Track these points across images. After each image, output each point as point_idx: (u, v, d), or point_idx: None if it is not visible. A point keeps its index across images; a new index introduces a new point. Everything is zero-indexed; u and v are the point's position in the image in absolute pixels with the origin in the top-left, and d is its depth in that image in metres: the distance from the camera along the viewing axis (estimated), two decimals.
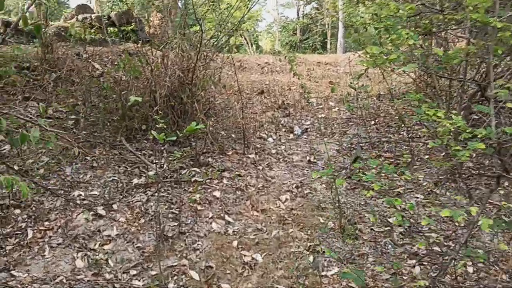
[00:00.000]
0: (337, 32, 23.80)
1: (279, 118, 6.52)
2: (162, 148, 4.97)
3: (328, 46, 25.52)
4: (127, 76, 4.96)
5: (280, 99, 7.23)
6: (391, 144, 5.51)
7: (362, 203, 4.17)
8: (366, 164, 4.72)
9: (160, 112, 4.60)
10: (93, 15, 16.83)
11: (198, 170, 4.58)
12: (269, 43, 32.49)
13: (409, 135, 5.44)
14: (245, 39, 25.05)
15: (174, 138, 3.14)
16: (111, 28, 15.48)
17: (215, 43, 6.00)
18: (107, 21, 16.13)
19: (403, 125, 5.68)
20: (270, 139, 5.75)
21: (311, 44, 26.99)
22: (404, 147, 5.43)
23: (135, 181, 4.24)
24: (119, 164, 4.56)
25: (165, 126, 3.39)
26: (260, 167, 4.88)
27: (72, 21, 18.28)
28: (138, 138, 5.17)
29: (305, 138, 5.89)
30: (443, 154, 4.95)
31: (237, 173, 4.66)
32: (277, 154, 5.31)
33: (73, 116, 5.63)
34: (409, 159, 4.97)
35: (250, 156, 5.12)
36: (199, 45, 4.32)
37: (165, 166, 4.57)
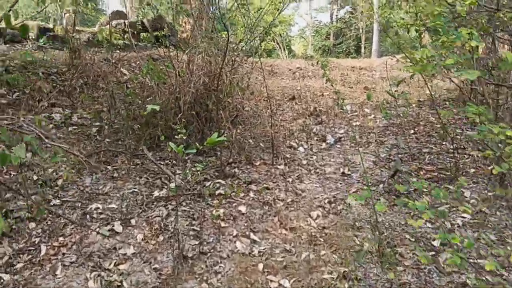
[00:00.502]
0: (371, 36, 23.23)
1: (311, 125, 6.17)
2: (186, 157, 4.72)
3: (362, 50, 24.94)
4: (151, 81, 4.74)
5: (312, 106, 6.87)
6: (433, 156, 5.08)
7: (402, 222, 3.77)
8: (407, 179, 4.32)
9: (184, 120, 4.35)
10: (126, 21, 16.95)
11: (223, 182, 4.29)
12: (301, 48, 32.13)
13: (453, 146, 4.98)
14: (278, 43, 24.78)
15: (194, 151, 2.85)
16: (144, 34, 15.54)
17: (244, 47, 5.73)
18: (140, 27, 16.20)
19: (446, 135, 5.23)
20: (301, 149, 5.41)
21: (344, 49, 26.48)
22: (447, 159, 4.99)
23: (156, 193, 3.99)
24: (140, 175, 4.32)
25: (184, 138, 3.12)
26: (290, 179, 4.55)
27: (106, 27, 18.52)
28: (162, 147, 4.95)
29: (339, 147, 5.52)
30: (491, 167, 4.50)
31: (264, 185, 4.34)
32: (308, 165, 4.96)
33: (97, 123, 5.47)
34: (454, 173, 4.53)
35: (279, 167, 4.79)
36: (225, 50, 4.04)
37: (188, 177, 4.30)
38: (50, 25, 16.22)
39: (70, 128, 5.34)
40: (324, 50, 27.23)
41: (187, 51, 4.99)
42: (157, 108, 2.77)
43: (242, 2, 5.98)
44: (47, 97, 5.93)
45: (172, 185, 4.07)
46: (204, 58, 4.83)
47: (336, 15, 30.08)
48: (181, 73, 4.70)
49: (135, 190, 4.03)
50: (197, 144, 4.02)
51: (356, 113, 6.73)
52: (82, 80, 6.35)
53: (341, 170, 4.84)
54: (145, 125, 4.78)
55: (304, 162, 5.04)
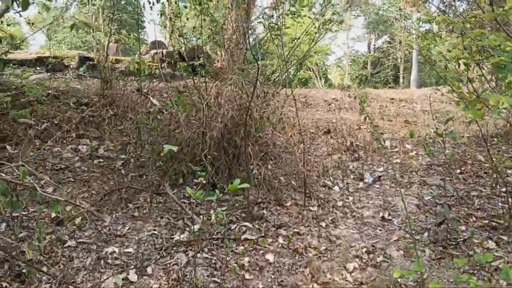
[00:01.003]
0: (410, 65, 22.69)
1: (347, 162, 5.77)
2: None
3: (401, 80, 24.38)
4: (178, 114, 4.53)
5: (349, 140, 6.48)
6: (483, 200, 4.58)
7: (451, 280, 3.30)
8: (455, 228, 3.86)
9: (210, 156, 4.08)
10: (164, 50, 17.19)
11: (250, 225, 3.95)
12: (338, 77, 31.86)
13: (505, 189, 4.47)
14: (314, 72, 24.60)
15: (214, 197, 2.54)
16: (181, 63, 15.68)
17: (277, 78, 5.48)
18: (177, 56, 16.35)
19: (497, 176, 4.72)
20: (336, 188, 5.02)
21: (382, 78, 26.00)
22: (499, 204, 4.48)
23: (177, 236, 3.69)
24: (162, 214, 4.04)
25: (207, 177, 2.81)
26: (323, 224, 4.15)
27: (144, 56, 18.85)
28: (187, 183, 4.67)
29: (378, 188, 5.09)
30: None
31: (295, 230, 3.97)
32: (343, 207, 4.56)
33: (123, 156, 5.28)
34: (507, 221, 4.02)
35: (311, 208, 4.42)
36: (254, 83, 3.78)
37: (212, 218, 3.99)
38: (92, 54, 16.68)
39: (95, 161, 5.17)
40: (361, 79, 26.84)
41: (214, 83, 4.76)
42: (175, 149, 2.49)
43: (276, 32, 5.75)
44: (76, 128, 5.83)
45: (195, 226, 3.77)
46: (234, 91, 4.57)
47: (374, 45, 29.74)
48: (209, 105, 4.46)
49: (155, 232, 3.74)
50: (223, 186, 3.75)
51: (396, 149, 6.29)
52: (112, 110, 6.24)
53: (381, 214, 4.41)
54: (170, 159, 4.54)
55: (340, 203, 4.64)
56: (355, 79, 27.55)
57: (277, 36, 5.84)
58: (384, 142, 6.13)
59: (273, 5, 6.48)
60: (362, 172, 5.46)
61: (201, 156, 4.21)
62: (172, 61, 16.89)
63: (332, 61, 33.18)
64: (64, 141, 5.56)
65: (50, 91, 6.87)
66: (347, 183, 5.18)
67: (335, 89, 11.98)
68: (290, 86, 6.42)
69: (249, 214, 4.07)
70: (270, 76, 5.69)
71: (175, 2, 5.79)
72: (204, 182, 2.76)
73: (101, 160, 5.19)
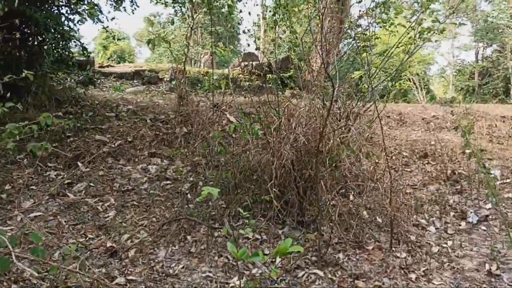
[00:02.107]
0: None
1: (447, 195, 4.88)
2: (280, 231, 3.87)
3: None
4: (246, 135, 4.07)
5: (449, 168, 5.55)
6: None
7: None
8: None
9: (277, 188, 3.55)
10: (254, 62, 17.08)
11: (320, 273, 3.33)
12: (441, 88, 29.65)
13: None
14: (414, 83, 23.01)
15: (259, 258, 2.00)
16: (269, 75, 15.42)
17: (365, 94, 4.81)
18: (267, 68, 16.14)
19: None
20: (431, 228, 4.20)
21: (491, 90, 23.59)
22: None
23: (233, 283, 3.19)
24: (221, 252, 3.58)
25: (253, 224, 2.28)
26: (413, 276, 3.39)
27: (237, 69, 18.97)
28: (255, 213, 4.18)
29: (484, 230, 4.17)
30: None
31: (377, 283, 3.27)
32: (440, 255, 3.74)
33: (191, 179, 4.94)
34: None
35: (399, 255, 3.67)
36: (329, 106, 3.17)
37: (277, 260, 3.44)
38: (187, 67, 17.14)
39: (163, 183, 4.89)
40: (468, 90, 24.63)
41: (287, 102, 4.22)
42: (215, 193, 2.00)
43: (365, 43, 5.09)
44: (149, 146, 5.65)
45: (255, 270, 3.26)
46: (309, 112, 4.00)
47: (482, 54, 27.20)
48: (282, 127, 3.94)
49: (210, 275, 3.28)
50: (293, 220, 3.21)
51: (508, 181, 5.23)
52: (186, 128, 5.99)
53: (487, 266, 3.53)
54: (235, 187, 4.08)
55: (435, 249, 3.82)
56: (460, 90, 25.37)
57: (366, 47, 5.17)
58: (492, 170, 5.14)
59: (363, 13, 5.83)
60: (465, 209, 4.55)
61: (269, 185, 3.71)
62: (261, 73, 16.73)
63: (435, 71, 30.95)
64: (136, 160, 5.38)
65: (131, 107, 6.84)
66: (445, 223, 4.33)
67: (435, 104, 10.79)
68: (383, 101, 5.70)
69: (321, 258, 3.45)
70: (355, 92, 5.03)
71: (273, 14, 5.39)
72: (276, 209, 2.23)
73: (168, 182, 4.90)
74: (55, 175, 4.91)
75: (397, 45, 5.03)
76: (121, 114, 6.42)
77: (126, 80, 15.59)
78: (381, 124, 4.12)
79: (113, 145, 5.49)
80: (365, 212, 4.21)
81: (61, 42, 6.61)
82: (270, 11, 5.87)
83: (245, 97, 6.67)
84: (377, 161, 4.77)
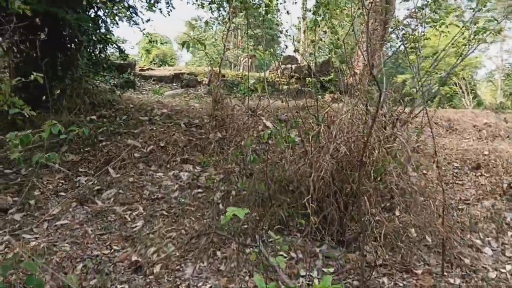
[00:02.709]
0: None
1: (503, 212, 4.39)
2: (318, 249, 3.53)
3: None
4: (281, 144, 3.75)
5: (505, 181, 5.03)
6: None
7: None
8: None
9: (314, 203, 3.22)
10: (294, 65, 16.77)
11: None
12: (488, 93, 28.27)
13: None
14: (460, 87, 21.96)
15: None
16: (309, 79, 15.03)
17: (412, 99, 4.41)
18: (306, 72, 15.81)
19: None
20: (487, 250, 3.75)
21: None
22: None
23: None
24: (251, 271, 3.28)
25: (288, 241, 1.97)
26: None
27: (276, 72, 18.59)
28: (290, 228, 3.86)
29: None
30: None
31: None
32: (498, 281, 3.30)
33: (224, 187, 4.68)
34: None
35: (451, 280, 3.26)
36: (375, 114, 2.80)
37: (315, 283, 3.10)
38: (227, 70, 16.98)
39: (194, 191, 4.65)
40: None
41: (327, 108, 3.89)
42: (241, 214, 1.72)
43: (412, 45, 4.69)
44: (182, 151, 5.44)
45: None
46: (351, 119, 3.64)
47: None
48: (321, 134, 3.60)
49: None
50: (332, 237, 2.90)
51: None
52: (220, 133, 5.74)
53: None
54: (269, 199, 3.78)
55: (493, 274, 3.38)
56: (509, 96, 24.05)
57: (414, 49, 4.77)
58: None
59: (412, 13, 5.42)
60: None
61: (306, 199, 3.38)
62: (301, 77, 16.37)
63: (482, 75, 29.54)
64: (168, 166, 5.18)
65: (165, 110, 6.67)
66: (502, 244, 3.86)
67: (485, 110, 10.09)
68: (432, 105, 5.26)
69: (364, 283, 3.09)
70: (402, 97, 4.62)
71: (313, 13, 5.11)
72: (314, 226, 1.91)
73: (200, 190, 4.66)
74: (85, 181, 4.77)
75: (450, 46, 4.60)
76: (155, 118, 6.24)
77: (165, 83, 15.65)
78: (432, 132, 3.72)
79: (145, 150, 5.31)
80: (413, 231, 3.82)
81: (97, 45, 6.53)
82: (310, 11, 5.56)
83: (282, 102, 6.35)
84: (425, 172, 4.35)
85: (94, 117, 6.06)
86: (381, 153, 3.49)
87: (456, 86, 21.96)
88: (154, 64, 28.45)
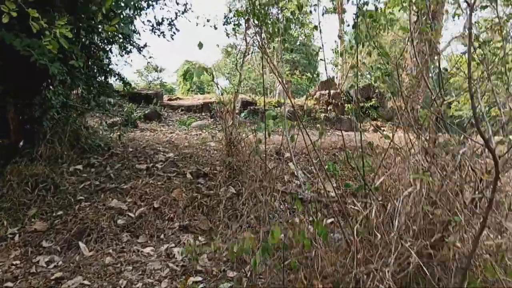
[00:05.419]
0: None
1: None
2: None
3: None
4: (307, 243, 2.32)
5: None
6: None
7: None
8: None
9: None
10: (332, 91, 15.34)
11: None
12: None
13: None
14: None
15: None
16: (348, 105, 13.54)
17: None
18: (345, 97, 14.33)
19: None
20: None
21: None
22: None
23: None
24: None
25: None
26: None
27: (313, 99, 17.23)
28: None
29: None
30: None
31: None
32: None
33: (233, 273, 3.29)
34: None
35: None
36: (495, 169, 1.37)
37: None
38: (255, 98, 15.77)
39: (191, 280, 3.27)
40: None
41: (381, 162, 2.44)
42: None
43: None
44: (182, 213, 4.11)
45: None
46: (422, 185, 2.17)
47: None
48: (368, 226, 2.16)
49: None
50: None
51: None
52: (234, 188, 4.38)
53: None
54: None
55: None
56: None
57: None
58: None
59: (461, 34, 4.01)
60: None
61: None
62: (340, 103, 14.87)
63: None
64: (161, 236, 3.85)
65: (171, 154, 5.40)
66: None
67: None
68: None
69: None
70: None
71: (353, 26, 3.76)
72: None
73: (199, 279, 3.28)
74: (45, 263, 3.50)
75: None
76: (156, 165, 4.98)
77: (194, 113, 14.61)
78: None
79: (132, 215, 4.01)
80: None
81: (91, 78, 5.38)
82: (349, 25, 4.22)
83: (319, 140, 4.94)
84: None
85: (79, 166, 4.88)
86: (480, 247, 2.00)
87: None
88: (192, 91, 27.74)
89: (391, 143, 3.00)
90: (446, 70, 2.88)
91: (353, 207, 2.53)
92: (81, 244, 3.66)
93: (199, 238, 3.83)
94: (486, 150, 2.05)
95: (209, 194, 4.33)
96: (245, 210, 4.04)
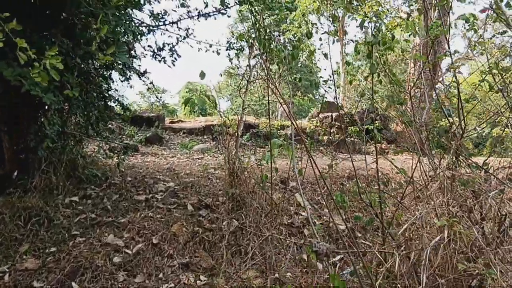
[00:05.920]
0: None
1: None
2: None
3: None
4: None
5: None
6: None
7: None
8: None
9: None
10: (334, 114, 15.16)
11: None
12: None
13: None
14: None
15: None
16: (352, 128, 13.37)
17: None
18: (348, 120, 14.12)
19: None
20: None
21: None
22: None
23: None
24: None
25: None
26: None
27: (315, 120, 17.05)
28: None
29: None
30: None
31: None
32: None
33: None
34: None
35: None
36: None
37: None
38: (256, 121, 15.61)
39: None
40: None
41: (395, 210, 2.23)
42: None
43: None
44: (182, 251, 3.87)
45: None
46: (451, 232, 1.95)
47: None
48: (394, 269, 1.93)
49: None
50: None
51: None
52: (238, 220, 4.15)
53: None
54: None
55: None
56: None
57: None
58: None
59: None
60: None
61: None
62: (343, 126, 14.66)
63: None
64: (160, 275, 3.60)
65: (171, 184, 5.19)
66: None
67: None
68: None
69: None
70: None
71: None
72: None
73: None
74: None
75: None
76: (156, 196, 4.76)
77: (195, 136, 14.45)
78: None
79: (130, 252, 3.78)
80: None
81: (89, 106, 5.20)
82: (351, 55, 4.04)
83: (328, 169, 4.71)
84: None
85: (75, 198, 4.66)
86: None
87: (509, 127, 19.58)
88: (194, 112, 27.61)
89: (406, 176, 2.80)
90: (468, 101, 2.68)
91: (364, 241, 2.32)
92: (74, 285, 3.41)
93: (200, 277, 3.58)
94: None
95: (211, 228, 4.09)
96: (250, 246, 3.81)
